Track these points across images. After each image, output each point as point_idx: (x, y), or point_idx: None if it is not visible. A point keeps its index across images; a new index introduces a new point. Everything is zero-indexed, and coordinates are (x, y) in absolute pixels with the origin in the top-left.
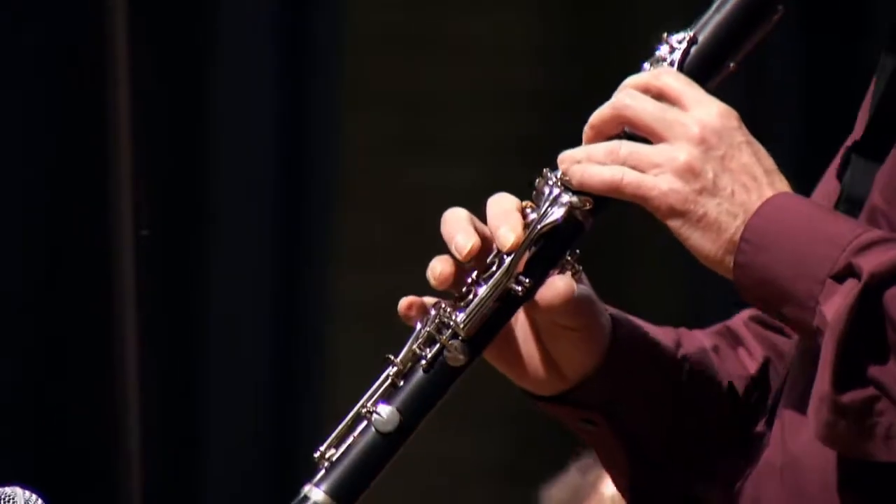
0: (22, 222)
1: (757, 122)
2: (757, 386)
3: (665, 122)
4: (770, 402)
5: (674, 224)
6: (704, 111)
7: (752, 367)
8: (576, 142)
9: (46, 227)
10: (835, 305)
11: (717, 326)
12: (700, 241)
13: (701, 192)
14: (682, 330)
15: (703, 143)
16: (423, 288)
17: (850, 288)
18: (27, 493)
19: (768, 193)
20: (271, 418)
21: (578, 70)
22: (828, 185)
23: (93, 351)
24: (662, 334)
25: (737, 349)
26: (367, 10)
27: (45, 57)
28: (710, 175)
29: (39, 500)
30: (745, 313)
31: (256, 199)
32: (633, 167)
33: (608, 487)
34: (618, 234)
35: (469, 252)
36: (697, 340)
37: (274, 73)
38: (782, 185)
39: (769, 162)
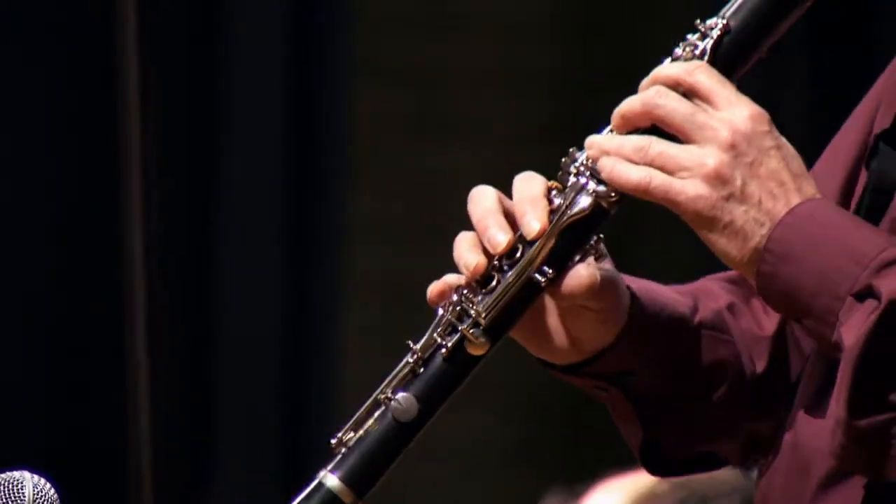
0: (43, 220)
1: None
2: (773, 349)
3: (695, 125)
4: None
5: (700, 230)
6: (736, 113)
7: (769, 326)
8: (591, 123)
9: (63, 218)
10: (853, 328)
11: (734, 274)
12: (726, 248)
13: (728, 198)
14: (701, 289)
15: (733, 148)
16: (436, 266)
17: (870, 309)
18: (35, 477)
19: (795, 200)
20: (281, 396)
21: (595, 48)
22: (852, 172)
23: (103, 332)
24: (680, 301)
25: (750, 302)
26: None
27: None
28: (739, 182)
29: (48, 485)
30: None
31: (268, 176)
32: (661, 168)
33: None
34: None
35: (503, 250)
36: (714, 301)
37: (285, 50)
38: (810, 188)
39: (797, 164)
